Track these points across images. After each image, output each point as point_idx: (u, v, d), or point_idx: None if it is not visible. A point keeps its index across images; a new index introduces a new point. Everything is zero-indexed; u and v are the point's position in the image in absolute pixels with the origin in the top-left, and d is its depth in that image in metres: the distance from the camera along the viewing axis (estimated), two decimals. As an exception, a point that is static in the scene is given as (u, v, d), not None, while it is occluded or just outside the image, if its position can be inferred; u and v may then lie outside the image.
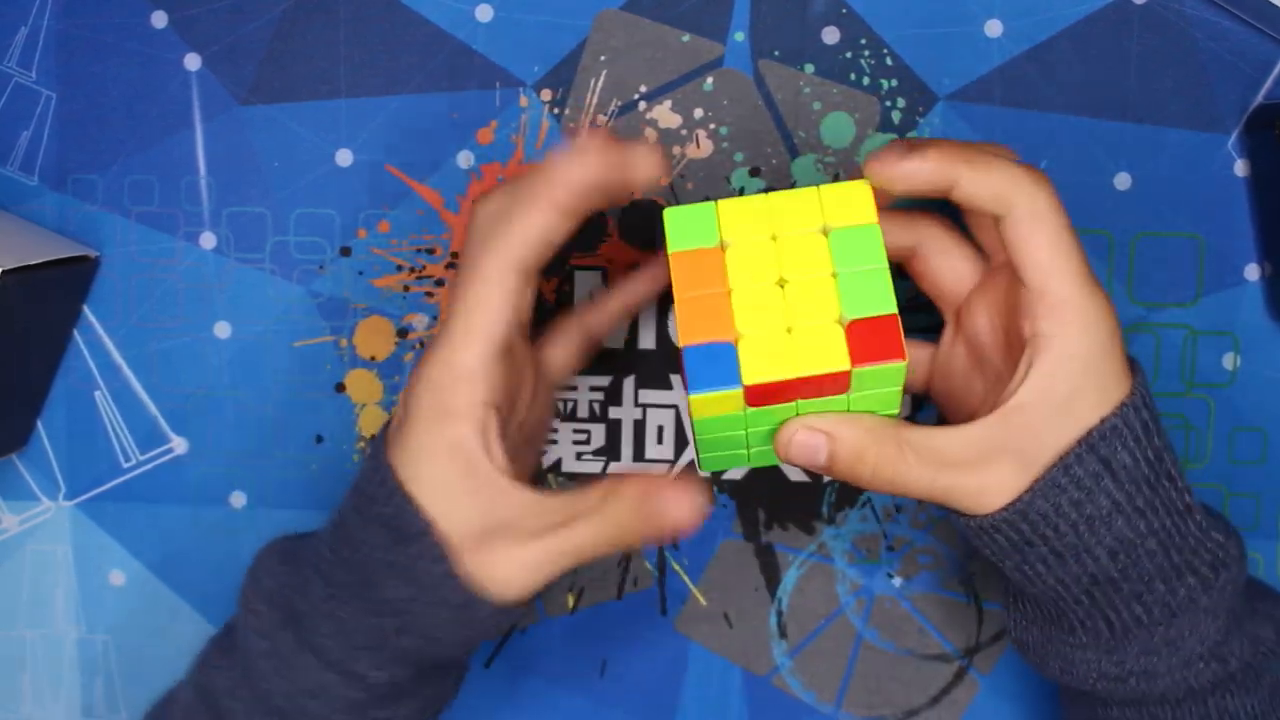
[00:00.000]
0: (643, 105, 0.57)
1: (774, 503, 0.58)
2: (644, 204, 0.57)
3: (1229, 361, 0.57)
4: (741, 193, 0.57)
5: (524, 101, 0.57)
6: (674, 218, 0.45)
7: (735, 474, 0.58)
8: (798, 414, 0.45)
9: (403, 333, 0.58)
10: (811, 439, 0.45)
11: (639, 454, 0.58)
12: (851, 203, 0.45)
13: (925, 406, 0.58)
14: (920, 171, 0.44)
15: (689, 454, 0.58)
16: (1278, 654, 0.48)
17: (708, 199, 0.56)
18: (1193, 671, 0.47)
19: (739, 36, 0.57)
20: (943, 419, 0.54)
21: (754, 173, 0.57)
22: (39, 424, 0.58)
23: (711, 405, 0.44)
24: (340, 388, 0.58)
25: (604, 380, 0.58)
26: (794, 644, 0.59)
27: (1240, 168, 0.57)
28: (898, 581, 0.59)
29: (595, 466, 0.58)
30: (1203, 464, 0.58)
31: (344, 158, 0.57)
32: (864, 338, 0.43)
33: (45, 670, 0.59)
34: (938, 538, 0.58)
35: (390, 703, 0.48)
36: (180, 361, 0.58)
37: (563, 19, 0.57)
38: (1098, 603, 0.47)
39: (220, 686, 0.48)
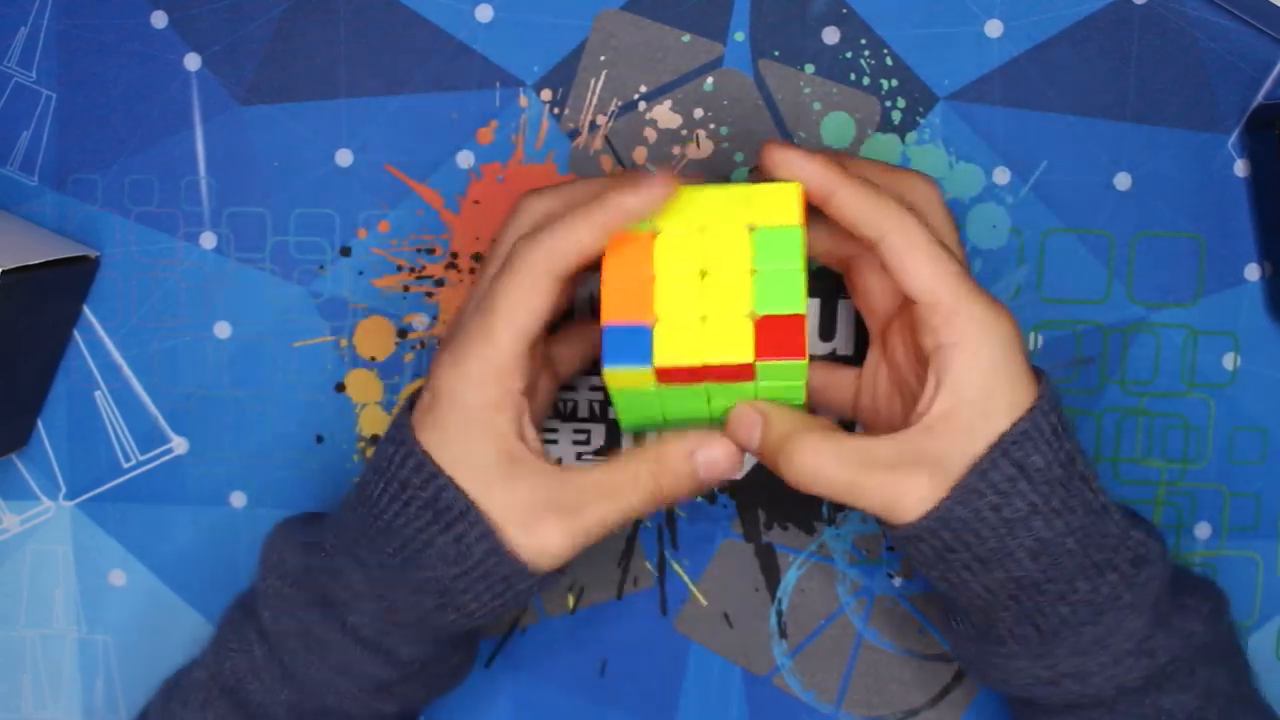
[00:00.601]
0: (643, 105, 0.57)
1: (774, 503, 0.58)
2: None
3: (1229, 361, 0.58)
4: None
5: (524, 101, 0.57)
6: None
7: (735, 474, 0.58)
8: (708, 399, 0.48)
9: (403, 333, 0.58)
10: (750, 416, 0.48)
11: (639, 454, 0.58)
12: (780, 204, 0.47)
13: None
14: (799, 166, 0.47)
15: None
16: (1208, 648, 0.49)
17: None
18: (1123, 668, 0.48)
19: (739, 36, 0.57)
20: None
21: (754, 172, 0.57)
22: (39, 424, 0.58)
23: (624, 380, 0.47)
24: (340, 388, 0.58)
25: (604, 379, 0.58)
26: (794, 644, 0.59)
27: (1240, 168, 0.57)
28: (898, 581, 0.59)
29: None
30: (1203, 464, 0.58)
31: (344, 158, 0.57)
32: (770, 334, 0.46)
33: (45, 670, 0.59)
34: (938, 538, 0.58)
35: (415, 679, 0.50)
36: (180, 361, 0.58)
37: (563, 19, 0.57)
38: (1024, 607, 0.48)
39: (240, 668, 0.50)
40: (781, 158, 0.47)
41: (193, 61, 0.57)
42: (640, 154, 0.57)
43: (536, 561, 0.47)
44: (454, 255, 0.58)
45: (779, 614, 0.59)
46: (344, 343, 0.58)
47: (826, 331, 0.58)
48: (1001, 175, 0.57)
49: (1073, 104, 0.56)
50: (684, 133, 0.57)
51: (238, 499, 0.59)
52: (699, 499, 0.58)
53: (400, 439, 0.48)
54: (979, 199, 0.57)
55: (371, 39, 0.57)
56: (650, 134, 0.57)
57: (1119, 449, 0.58)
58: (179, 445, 0.59)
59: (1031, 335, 0.57)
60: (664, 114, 0.57)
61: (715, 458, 0.49)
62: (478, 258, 0.58)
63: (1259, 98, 0.56)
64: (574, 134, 0.57)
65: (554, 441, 0.58)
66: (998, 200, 0.57)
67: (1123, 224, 0.57)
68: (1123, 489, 0.58)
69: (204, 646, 0.52)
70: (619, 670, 0.59)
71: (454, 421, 0.47)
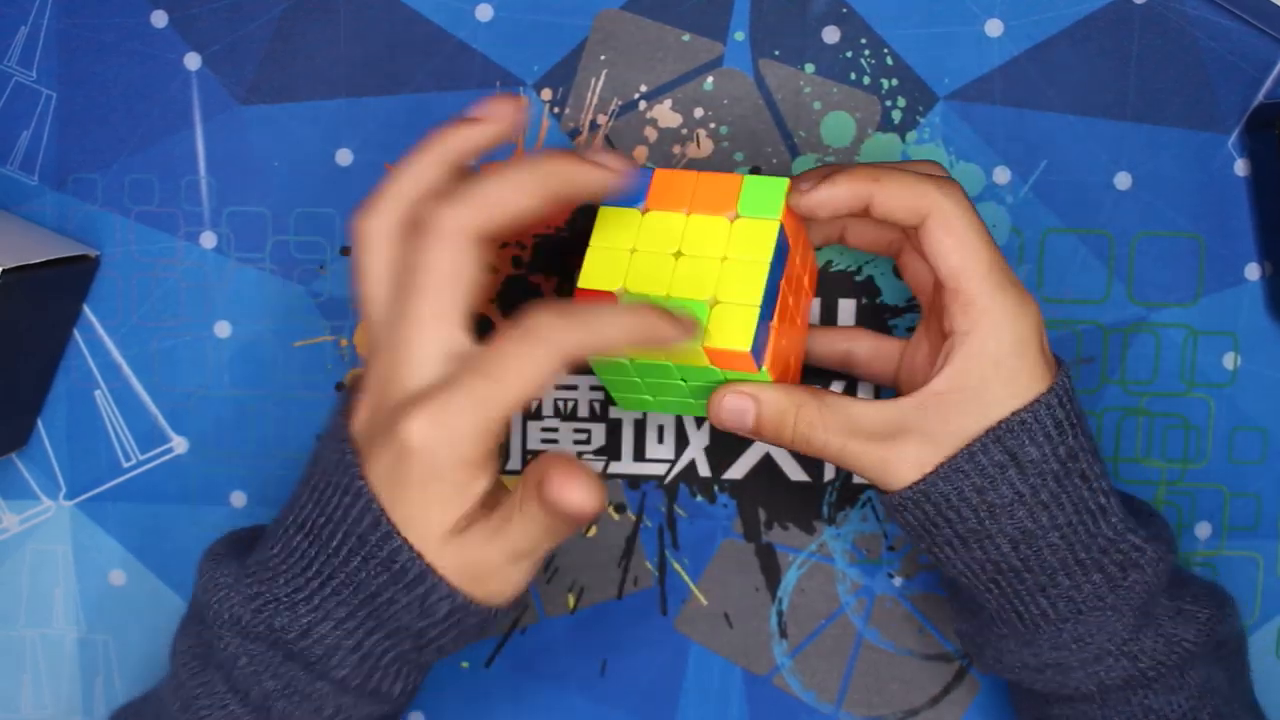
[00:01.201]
0: (643, 105, 0.57)
1: (774, 503, 0.58)
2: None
3: (1229, 361, 0.57)
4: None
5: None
6: None
7: (735, 474, 0.58)
8: (682, 379, 0.49)
9: (403, 332, 0.58)
10: (739, 403, 0.48)
11: (639, 453, 0.58)
12: (765, 197, 0.48)
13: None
14: (835, 197, 0.47)
15: (689, 454, 0.58)
16: (1199, 655, 0.49)
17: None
18: (1103, 667, 0.48)
19: (739, 36, 0.57)
20: None
21: (754, 172, 0.57)
22: (39, 423, 0.58)
23: None
24: (340, 387, 0.58)
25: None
26: (794, 644, 0.59)
27: (1240, 168, 0.57)
28: (898, 581, 0.59)
29: (596, 466, 0.58)
30: (1203, 464, 0.58)
31: (344, 158, 0.57)
32: (722, 324, 0.46)
33: (45, 670, 0.59)
34: (938, 537, 0.58)
35: (406, 706, 0.49)
36: (180, 361, 0.58)
37: (563, 19, 0.57)
38: (1005, 593, 0.49)
39: None
40: (812, 204, 0.47)
41: (193, 61, 0.57)
42: (640, 153, 0.57)
43: (503, 603, 0.47)
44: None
45: (779, 614, 0.59)
46: (344, 342, 0.58)
47: (826, 331, 0.58)
48: (1001, 175, 0.57)
49: (1073, 104, 0.57)
50: (684, 132, 0.57)
51: (238, 499, 0.59)
52: (699, 498, 0.58)
53: (350, 487, 0.45)
54: (979, 198, 0.57)
55: (371, 39, 0.57)
56: (650, 133, 0.57)
57: (1119, 449, 0.58)
58: (179, 445, 0.59)
59: (1032, 335, 0.57)
60: (664, 113, 0.57)
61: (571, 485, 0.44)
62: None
63: (1259, 97, 0.56)
64: (574, 133, 0.57)
65: (554, 441, 0.58)
66: (998, 200, 0.57)
67: (1123, 224, 0.57)
68: (1123, 489, 0.58)
69: (162, 698, 0.49)
70: (619, 670, 0.59)
71: (417, 478, 0.43)
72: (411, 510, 0.44)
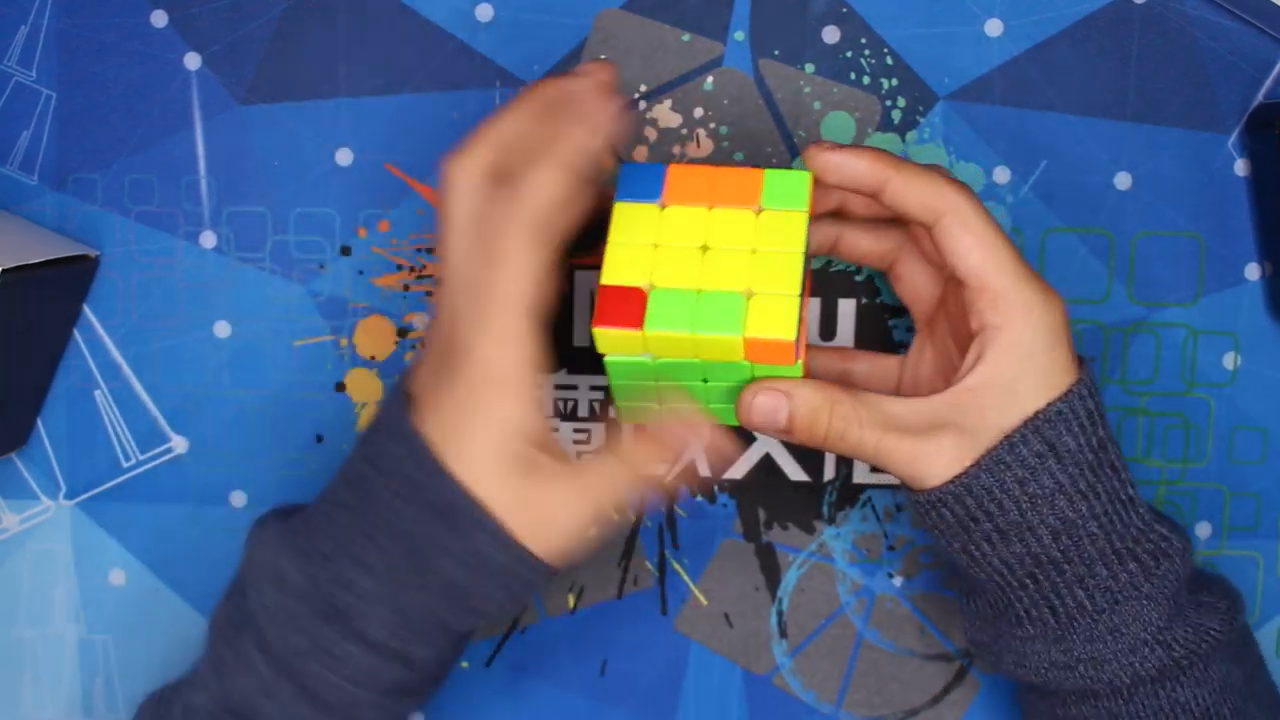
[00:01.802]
0: (643, 105, 0.57)
1: (774, 502, 0.58)
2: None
3: (1229, 361, 0.57)
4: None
5: (524, 101, 0.57)
6: (627, 173, 0.49)
7: (735, 473, 0.58)
8: (703, 377, 0.48)
9: (403, 332, 0.58)
10: (772, 400, 0.48)
11: (639, 454, 0.58)
12: (789, 189, 0.48)
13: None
14: (850, 165, 0.47)
15: (689, 454, 0.58)
16: (1223, 645, 0.49)
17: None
18: (1138, 657, 0.48)
19: (739, 36, 0.57)
20: None
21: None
22: (39, 423, 0.58)
23: (614, 343, 0.47)
24: (340, 387, 0.58)
25: (604, 380, 0.58)
26: (794, 644, 0.59)
27: (1240, 168, 0.57)
28: (898, 581, 0.59)
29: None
30: (1203, 464, 0.58)
31: (344, 157, 0.57)
32: (763, 314, 0.46)
33: (45, 670, 0.59)
34: (938, 537, 0.58)
35: (431, 678, 0.49)
36: (180, 361, 0.58)
37: (563, 19, 0.57)
38: (1041, 587, 0.48)
39: (249, 690, 0.47)
40: (827, 161, 0.47)
41: (193, 61, 0.57)
42: (641, 153, 0.57)
43: (554, 560, 0.46)
44: (454, 255, 0.58)
45: (779, 614, 0.59)
46: (344, 342, 0.58)
47: (827, 331, 0.58)
48: (1001, 175, 0.57)
49: (1073, 103, 0.57)
50: (684, 132, 0.57)
51: (238, 499, 0.59)
52: (699, 498, 0.58)
53: (397, 430, 0.46)
54: (979, 198, 0.57)
55: (371, 39, 0.57)
56: (650, 133, 0.57)
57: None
58: (179, 445, 0.59)
59: (1032, 335, 0.57)
60: (664, 113, 0.57)
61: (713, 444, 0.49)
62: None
63: (1259, 97, 0.56)
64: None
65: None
66: (998, 200, 0.57)
67: (1123, 224, 0.57)
68: (1123, 489, 0.58)
69: (194, 667, 0.50)
70: (619, 670, 0.59)
71: (465, 408, 0.44)
72: (469, 445, 0.44)
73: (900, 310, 0.58)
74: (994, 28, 0.56)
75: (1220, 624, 0.49)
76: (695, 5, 0.57)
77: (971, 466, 0.47)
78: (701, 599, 0.59)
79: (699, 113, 0.57)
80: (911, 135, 0.57)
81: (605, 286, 0.47)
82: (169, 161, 0.57)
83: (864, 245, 0.53)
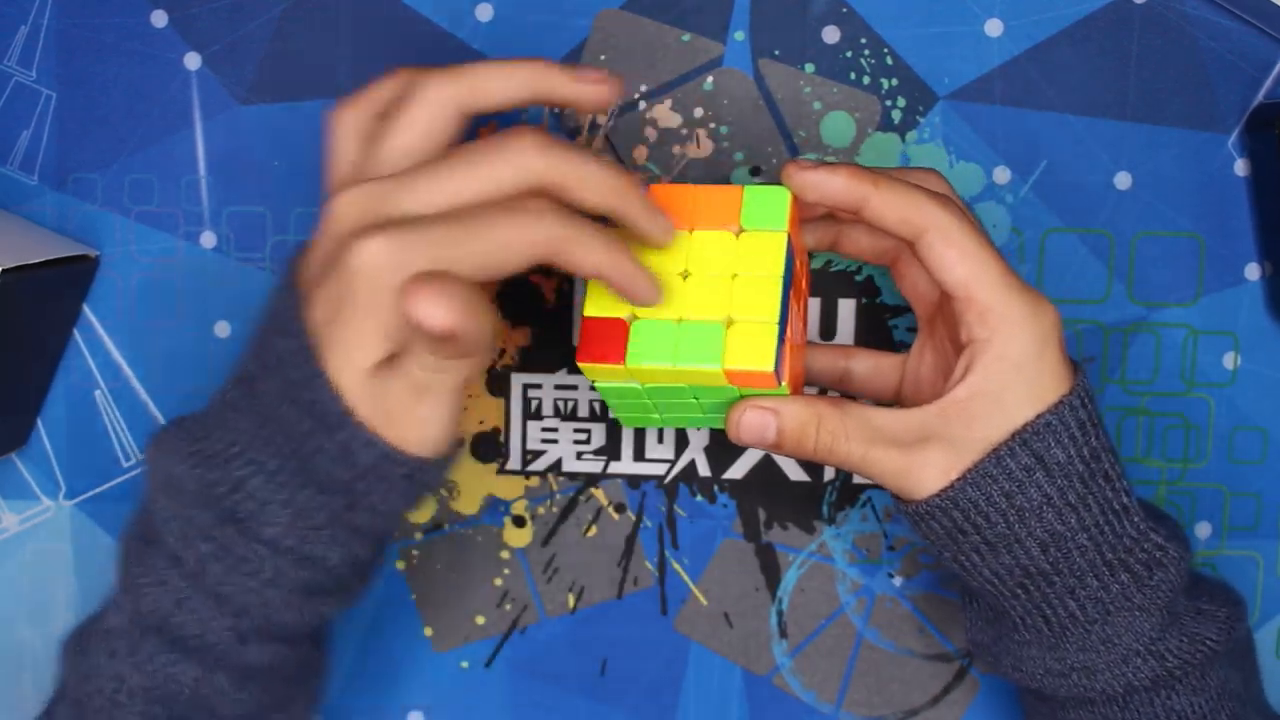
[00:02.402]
0: (643, 105, 0.57)
1: (774, 502, 0.58)
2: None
3: (1229, 361, 0.58)
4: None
5: (524, 101, 0.57)
6: None
7: (735, 474, 0.58)
8: (695, 397, 0.48)
9: (403, 332, 0.58)
10: (760, 418, 0.48)
11: (639, 453, 0.58)
12: (769, 207, 0.47)
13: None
14: (827, 183, 0.47)
15: (689, 453, 0.58)
16: (1220, 654, 0.49)
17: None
18: (1130, 668, 0.48)
19: (739, 36, 0.57)
20: None
21: (754, 172, 0.57)
22: (39, 423, 0.58)
23: (601, 374, 0.47)
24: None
25: (604, 380, 0.58)
26: (794, 644, 0.59)
27: (1240, 167, 0.57)
28: (898, 581, 0.59)
29: (596, 466, 0.58)
30: (1203, 464, 0.58)
31: (344, 157, 0.57)
32: (742, 344, 0.46)
33: (45, 670, 0.59)
34: (938, 537, 0.58)
35: (346, 578, 0.47)
36: (180, 361, 0.58)
37: (563, 19, 0.57)
38: (1033, 597, 0.48)
39: (162, 603, 0.46)
40: (805, 180, 0.47)
41: (193, 61, 0.57)
42: (640, 153, 0.57)
43: (419, 450, 0.44)
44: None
45: (779, 614, 0.59)
46: (344, 342, 0.58)
47: (827, 331, 0.58)
48: (1001, 175, 0.57)
49: (1073, 103, 0.57)
50: (684, 132, 0.57)
51: (238, 499, 0.59)
52: (699, 498, 0.58)
53: (288, 328, 0.44)
54: (979, 198, 0.57)
55: (371, 39, 0.57)
56: (650, 133, 0.57)
57: (1119, 449, 0.58)
58: (179, 445, 0.58)
59: (1032, 335, 0.57)
60: (664, 113, 0.57)
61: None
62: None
63: (1259, 97, 0.56)
64: (574, 132, 0.57)
65: (554, 442, 0.58)
66: (998, 200, 0.57)
67: (1123, 223, 0.57)
68: (1123, 489, 0.58)
69: (111, 596, 0.48)
70: (619, 670, 0.59)
71: (357, 305, 0.42)
72: (343, 349, 0.43)
73: (901, 310, 0.58)
74: (994, 28, 0.56)
75: (1218, 633, 0.49)
76: (695, 5, 0.57)
77: (958, 480, 0.47)
78: (701, 599, 0.59)
79: (699, 113, 0.57)
80: (911, 135, 0.57)
81: (589, 318, 0.47)
82: (169, 161, 0.57)
83: (864, 242, 0.52)
